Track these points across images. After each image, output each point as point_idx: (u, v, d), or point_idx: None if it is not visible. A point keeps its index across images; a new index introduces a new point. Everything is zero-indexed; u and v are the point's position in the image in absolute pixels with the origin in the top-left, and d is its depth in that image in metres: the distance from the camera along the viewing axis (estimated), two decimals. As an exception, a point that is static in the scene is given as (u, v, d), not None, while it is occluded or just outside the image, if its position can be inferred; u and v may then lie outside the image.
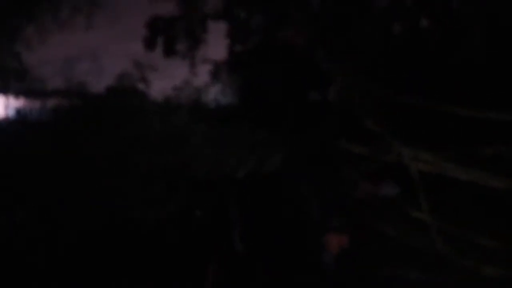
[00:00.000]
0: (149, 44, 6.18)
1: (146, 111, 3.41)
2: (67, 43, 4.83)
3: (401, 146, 3.63)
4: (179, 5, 6.14)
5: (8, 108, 4.07)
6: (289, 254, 2.10)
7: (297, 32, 2.24)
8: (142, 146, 3.09)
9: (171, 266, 2.81)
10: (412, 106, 3.95)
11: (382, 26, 5.61)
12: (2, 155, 3.22)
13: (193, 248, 2.76)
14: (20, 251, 2.81)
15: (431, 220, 3.45)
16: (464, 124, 3.86)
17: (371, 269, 2.98)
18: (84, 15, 4.72)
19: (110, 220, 2.89)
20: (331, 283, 2.10)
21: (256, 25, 5.87)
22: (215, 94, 4.58)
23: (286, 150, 2.09)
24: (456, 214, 3.57)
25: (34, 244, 2.85)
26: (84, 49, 5.21)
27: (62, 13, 4.70)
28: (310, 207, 2.06)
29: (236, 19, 6.07)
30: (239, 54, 5.59)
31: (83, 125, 3.37)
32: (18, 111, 3.99)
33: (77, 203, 2.94)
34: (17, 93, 4.15)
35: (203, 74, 5.91)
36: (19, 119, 3.88)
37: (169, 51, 6.22)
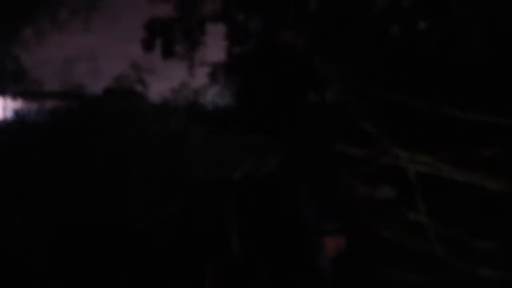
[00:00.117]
0: (147, 46, 6.19)
1: (143, 113, 3.42)
2: (65, 45, 4.83)
3: (398, 148, 3.64)
4: (177, 7, 6.15)
5: (6, 109, 4.07)
6: (287, 256, 2.10)
7: (297, 33, 2.24)
8: (140, 148, 3.09)
9: (169, 268, 2.82)
10: (409, 108, 3.96)
11: (380, 28, 5.62)
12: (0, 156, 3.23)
13: (191, 250, 2.77)
14: (17, 252, 2.82)
15: (429, 222, 3.46)
16: (461, 126, 3.87)
17: (368, 271, 2.99)
18: (83, 17, 4.73)
19: (107, 222, 2.90)
20: (329, 285, 2.10)
21: (254, 27, 5.88)
22: (213, 96, 4.59)
23: (283, 152, 2.09)
24: (454, 216, 3.58)
25: (31, 246, 2.86)
26: (82, 50, 5.22)
27: (60, 15, 4.70)
28: (307, 209, 2.06)
29: (235, 21, 6.08)
30: (238, 56, 5.59)
31: (80, 127, 3.37)
32: (16, 113, 3.98)
33: (75, 205, 2.94)
34: (15, 95, 4.14)
35: (201, 76, 5.92)
36: (17, 121, 3.87)
37: (168, 53, 6.23)
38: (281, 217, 2.08)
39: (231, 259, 2.15)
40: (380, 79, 4.73)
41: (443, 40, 5.26)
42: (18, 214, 2.95)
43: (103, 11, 4.88)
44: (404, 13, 5.69)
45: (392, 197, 3.88)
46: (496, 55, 4.72)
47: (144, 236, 2.85)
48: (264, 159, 2.12)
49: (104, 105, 3.81)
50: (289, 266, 2.06)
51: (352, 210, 3.06)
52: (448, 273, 3.21)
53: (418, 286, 3.15)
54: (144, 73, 4.47)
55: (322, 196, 1.99)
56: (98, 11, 4.81)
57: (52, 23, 4.62)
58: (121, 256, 2.86)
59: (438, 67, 4.87)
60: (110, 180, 3.01)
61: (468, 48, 4.86)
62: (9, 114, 3.99)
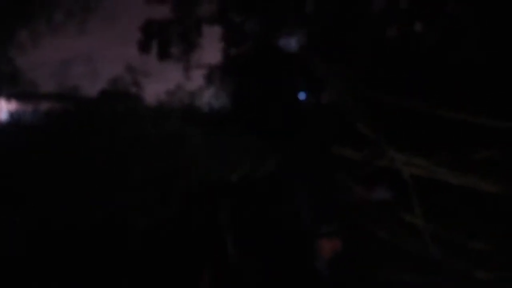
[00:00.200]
0: (144, 47, 6.18)
1: (139, 115, 3.41)
2: (61, 47, 4.82)
3: (394, 151, 3.64)
4: (173, 9, 6.15)
5: (1, 111, 4.06)
6: (283, 258, 2.10)
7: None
8: (136, 149, 3.09)
9: (166, 268, 2.81)
10: (405, 110, 3.97)
11: (376, 30, 5.63)
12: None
13: (186, 253, 2.76)
14: (16, 252, 2.82)
15: (424, 223, 3.47)
16: (456, 129, 3.88)
17: (364, 273, 2.99)
18: (78, 20, 4.72)
19: (104, 223, 2.89)
20: (325, 286, 2.10)
21: (251, 29, 5.88)
22: (209, 98, 4.59)
23: (279, 154, 2.09)
24: (449, 217, 3.58)
25: (28, 246, 2.85)
26: (78, 52, 5.21)
27: (56, 17, 4.69)
28: (304, 211, 2.06)
29: (231, 23, 6.07)
30: (234, 57, 5.59)
31: (76, 129, 3.36)
32: (11, 115, 3.97)
33: (70, 206, 2.93)
34: (10, 97, 4.13)
35: (197, 78, 5.92)
36: (12, 122, 3.86)
37: (164, 55, 6.22)
38: (277, 218, 2.08)
39: (227, 260, 2.15)
40: (377, 81, 4.73)
41: (439, 42, 5.28)
42: (16, 214, 2.94)
43: (99, 13, 4.87)
44: (400, 15, 5.71)
45: (389, 199, 3.88)
46: (492, 56, 4.74)
47: (141, 237, 2.85)
48: (261, 160, 2.13)
49: (100, 107, 3.81)
50: (285, 268, 2.06)
51: (349, 212, 3.06)
52: (444, 274, 3.21)
53: (414, 287, 3.16)
54: (139, 76, 4.47)
55: (319, 198, 1.99)
56: (94, 13, 4.80)
57: (48, 25, 4.61)
58: (119, 256, 2.85)
59: (434, 69, 4.88)
60: (106, 181, 3.01)
61: (464, 50, 4.88)
62: (4, 116, 3.97)
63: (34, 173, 3.07)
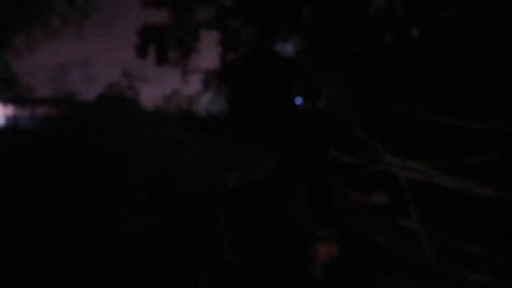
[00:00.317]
0: (141, 52, 6.20)
1: (136, 120, 3.42)
2: (58, 52, 4.83)
3: (390, 155, 3.66)
4: (171, 14, 6.17)
5: (-2, 116, 4.05)
6: (279, 263, 2.10)
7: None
8: (133, 154, 3.09)
9: (163, 273, 2.81)
10: (401, 115, 3.99)
11: (372, 35, 5.66)
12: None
13: (183, 259, 2.76)
14: (14, 256, 2.81)
15: (420, 228, 3.48)
16: (452, 133, 3.91)
17: (360, 278, 2.99)
18: (75, 25, 4.73)
19: (100, 228, 2.89)
20: (321, 291, 2.10)
21: (248, 34, 5.89)
22: (206, 102, 4.60)
23: (276, 159, 2.10)
24: (445, 222, 3.60)
25: (26, 251, 2.85)
26: (75, 57, 5.22)
27: (53, 22, 4.70)
28: (300, 216, 2.06)
29: (228, 28, 6.10)
30: (231, 63, 5.60)
31: (72, 133, 3.36)
32: (8, 119, 3.97)
33: (67, 210, 2.93)
34: (6, 101, 4.13)
35: (194, 83, 5.94)
36: (8, 127, 3.86)
37: (161, 60, 6.24)
38: (273, 223, 2.08)
39: (224, 265, 2.15)
40: (373, 86, 4.76)
41: (435, 47, 5.31)
42: (12, 219, 2.94)
43: (96, 18, 4.88)
44: (396, 20, 5.74)
45: (385, 203, 3.89)
46: (487, 61, 4.77)
47: (134, 246, 2.85)
48: (257, 165, 2.13)
49: (97, 111, 3.81)
50: (281, 273, 2.06)
51: (345, 217, 3.06)
52: (440, 278, 3.22)
53: (410, 292, 3.16)
54: (136, 81, 4.47)
55: (315, 203, 1.99)
56: (91, 18, 4.81)
57: (45, 30, 4.62)
58: (115, 261, 2.85)
59: (430, 74, 4.91)
60: (103, 185, 3.01)
61: (459, 54, 4.91)
62: (0, 121, 3.97)
63: (31, 178, 3.07)
